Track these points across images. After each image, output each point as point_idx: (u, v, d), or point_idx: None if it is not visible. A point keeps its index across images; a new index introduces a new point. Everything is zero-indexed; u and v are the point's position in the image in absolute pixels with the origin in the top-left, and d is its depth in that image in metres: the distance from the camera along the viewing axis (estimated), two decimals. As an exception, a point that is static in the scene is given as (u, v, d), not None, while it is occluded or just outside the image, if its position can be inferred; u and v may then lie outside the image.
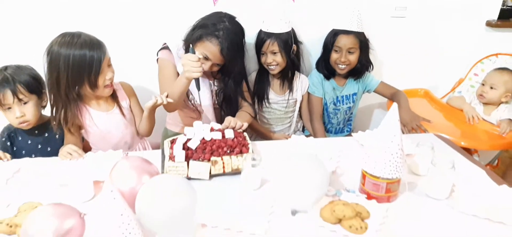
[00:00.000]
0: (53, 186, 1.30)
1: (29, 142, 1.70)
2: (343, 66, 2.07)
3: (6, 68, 1.59)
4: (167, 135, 1.96)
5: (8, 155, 1.48)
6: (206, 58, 1.72)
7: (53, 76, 1.51)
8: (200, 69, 1.50)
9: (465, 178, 1.35)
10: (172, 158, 1.31)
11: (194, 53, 1.53)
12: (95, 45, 1.51)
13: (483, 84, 2.21)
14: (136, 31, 2.02)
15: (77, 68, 1.49)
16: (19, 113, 1.58)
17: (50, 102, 1.59)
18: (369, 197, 1.23)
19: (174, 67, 1.81)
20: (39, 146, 1.69)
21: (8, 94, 1.54)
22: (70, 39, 1.49)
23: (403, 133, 1.76)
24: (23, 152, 1.69)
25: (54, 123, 1.61)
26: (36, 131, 1.71)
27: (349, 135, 2.27)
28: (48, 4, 1.97)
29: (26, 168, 1.43)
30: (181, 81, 1.60)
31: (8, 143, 1.68)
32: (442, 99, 2.37)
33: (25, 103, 1.60)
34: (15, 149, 1.70)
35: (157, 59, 1.85)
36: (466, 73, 2.44)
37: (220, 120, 1.97)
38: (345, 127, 2.34)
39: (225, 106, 1.93)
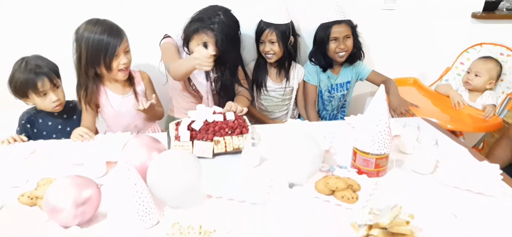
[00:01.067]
0: (67, 165, 1.39)
1: (50, 123, 1.82)
2: (343, 53, 2.19)
3: (27, 59, 1.70)
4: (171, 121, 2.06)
5: (24, 138, 1.58)
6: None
7: (77, 55, 1.69)
8: (211, 65, 1.58)
9: (449, 155, 1.46)
10: (177, 138, 1.41)
11: (206, 47, 1.63)
12: (114, 32, 1.66)
13: (468, 72, 2.34)
14: (138, 23, 2.11)
15: (95, 50, 1.64)
16: (55, 97, 1.74)
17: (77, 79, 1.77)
18: (360, 172, 1.34)
19: (177, 47, 1.91)
20: (59, 127, 1.81)
21: (46, 81, 1.69)
22: (94, 24, 1.65)
23: (392, 117, 1.88)
24: (44, 133, 1.81)
25: (77, 99, 1.78)
26: (56, 114, 1.82)
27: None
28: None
29: (41, 148, 1.53)
30: (189, 64, 1.64)
31: (28, 126, 1.79)
32: (430, 87, 2.49)
33: (57, 87, 1.76)
34: (35, 131, 1.81)
35: (161, 45, 1.95)
36: (452, 62, 2.56)
37: (218, 105, 2.06)
38: (339, 114, 2.45)
39: (223, 93, 2.03)
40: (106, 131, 1.96)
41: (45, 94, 1.72)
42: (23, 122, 1.78)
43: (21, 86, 1.68)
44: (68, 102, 1.86)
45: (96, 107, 1.83)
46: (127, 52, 1.74)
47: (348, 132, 1.71)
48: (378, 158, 1.31)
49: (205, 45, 1.61)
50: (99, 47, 1.64)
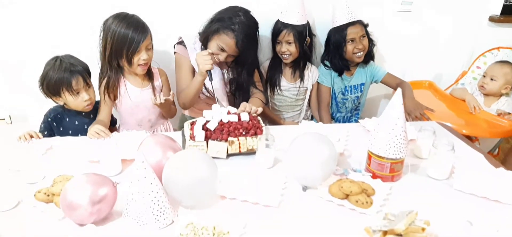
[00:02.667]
0: (84, 162, 1.41)
1: (76, 123, 1.86)
2: (361, 53, 2.19)
3: (61, 58, 1.75)
4: (185, 121, 2.07)
5: (40, 135, 1.60)
6: (223, 50, 1.86)
7: (102, 45, 1.77)
8: (210, 62, 1.73)
9: (464, 161, 1.45)
10: (192, 138, 1.42)
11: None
12: (139, 28, 1.73)
13: (484, 76, 2.31)
14: (154, 23, 2.12)
15: (119, 43, 1.72)
16: (87, 96, 1.79)
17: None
18: (374, 176, 1.33)
19: (189, 62, 1.96)
20: (85, 127, 1.82)
21: (80, 79, 1.74)
22: (122, 18, 1.73)
23: (407, 120, 1.86)
24: (70, 131, 1.84)
25: (98, 87, 1.85)
26: (83, 113, 1.86)
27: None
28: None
29: (58, 145, 1.55)
30: (196, 79, 1.82)
31: (54, 124, 1.83)
32: (445, 90, 2.46)
33: (89, 86, 1.81)
34: (61, 129, 1.84)
35: (175, 52, 2.00)
36: (469, 66, 2.53)
37: (233, 106, 2.07)
38: (353, 117, 2.44)
39: (238, 94, 2.04)
40: (120, 125, 2.01)
41: (78, 93, 1.76)
42: (49, 119, 1.82)
43: (55, 85, 1.71)
44: (96, 102, 1.90)
45: (113, 98, 1.88)
46: (149, 49, 1.80)
47: (363, 135, 1.70)
48: (393, 162, 1.30)
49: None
50: (123, 41, 1.71)
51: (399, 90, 1.29)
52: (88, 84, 1.79)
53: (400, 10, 2.44)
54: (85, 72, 1.78)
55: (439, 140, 1.39)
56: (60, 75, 1.70)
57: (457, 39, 2.59)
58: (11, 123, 2.36)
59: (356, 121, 2.41)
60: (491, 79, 2.26)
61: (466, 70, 2.53)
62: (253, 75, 2.04)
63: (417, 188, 1.32)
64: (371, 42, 2.25)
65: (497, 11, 2.56)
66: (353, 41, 2.16)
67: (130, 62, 1.76)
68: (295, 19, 2.07)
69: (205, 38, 1.91)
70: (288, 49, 2.11)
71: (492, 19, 2.55)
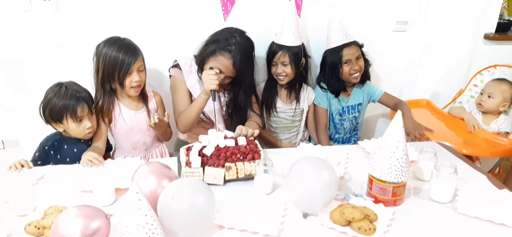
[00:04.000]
0: (76, 192, 1.36)
1: (75, 150, 1.81)
2: (357, 74, 2.17)
3: (66, 84, 1.73)
4: (180, 145, 2.03)
5: (31, 164, 1.55)
6: (220, 71, 1.83)
7: (95, 69, 1.78)
8: (217, 82, 1.70)
9: (467, 183, 1.42)
10: (188, 164, 1.38)
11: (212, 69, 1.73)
12: (130, 51, 1.75)
13: (481, 93, 2.29)
14: (149, 46, 2.11)
15: (111, 65, 1.73)
16: (90, 123, 1.76)
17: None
18: (376, 200, 1.29)
19: (185, 85, 1.94)
20: None
21: (86, 107, 1.74)
22: (114, 41, 1.75)
23: (406, 141, 1.83)
24: (68, 159, 1.80)
25: (94, 110, 1.81)
26: (82, 140, 1.82)
27: (356, 144, 2.35)
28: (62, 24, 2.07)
29: (50, 174, 1.49)
30: (200, 98, 1.79)
31: (52, 152, 1.78)
32: (443, 109, 2.44)
33: (92, 114, 1.79)
34: (59, 157, 1.80)
35: (170, 76, 1.98)
36: (466, 84, 2.52)
37: (230, 129, 2.04)
38: (352, 137, 2.41)
39: (235, 115, 2.02)
40: (115, 150, 1.97)
41: (81, 120, 1.73)
42: (46, 148, 1.77)
43: (59, 111, 1.68)
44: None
45: (108, 122, 1.86)
46: (140, 71, 1.80)
47: (363, 157, 1.67)
48: (395, 186, 1.27)
49: (211, 69, 1.73)
50: (115, 64, 1.72)
51: (399, 112, 1.26)
52: (91, 112, 1.77)
53: (395, 30, 2.44)
54: (90, 99, 1.77)
55: (441, 162, 1.36)
56: (66, 102, 1.68)
57: (453, 57, 2.59)
58: (3, 148, 2.30)
59: (355, 141, 2.40)
60: (489, 97, 2.25)
61: (463, 88, 2.52)
62: (250, 97, 2.02)
63: (420, 212, 1.28)
64: (367, 62, 2.24)
65: (492, 29, 2.57)
66: (349, 62, 2.15)
67: (122, 85, 1.76)
68: (290, 41, 2.05)
69: (201, 61, 1.89)
70: (284, 70, 2.09)
71: (487, 37, 2.56)
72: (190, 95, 1.95)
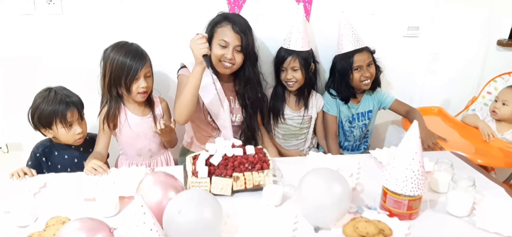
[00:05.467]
0: (79, 201, 1.32)
1: (66, 157, 1.77)
2: (368, 81, 2.12)
3: (55, 89, 1.69)
4: (185, 152, 1.99)
5: (33, 171, 1.51)
6: (225, 45, 1.82)
7: (102, 73, 1.75)
8: (205, 45, 1.64)
9: (485, 195, 1.36)
10: (195, 174, 1.33)
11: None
12: (138, 56, 1.71)
13: (495, 101, 2.22)
14: (156, 51, 2.07)
15: (118, 71, 1.70)
16: (80, 129, 1.72)
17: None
18: (391, 214, 1.24)
19: None
20: (75, 161, 1.76)
21: (75, 111, 1.69)
22: (121, 46, 1.72)
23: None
24: (59, 166, 1.76)
25: (99, 116, 1.80)
26: (73, 146, 1.78)
27: (366, 151, 2.29)
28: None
29: (53, 182, 1.45)
30: (194, 72, 1.71)
31: (43, 159, 1.74)
32: (456, 117, 2.37)
33: (82, 119, 1.75)
34: (50, 164, 1.75)
35: (178, 77, 1.93)
36: (479, 91, 2.45)
37: (238, 137, 2.03)
38: (362, 145, 2.35)
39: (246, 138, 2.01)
40: (119, 156, 1.93)
41: (70, 126, 1.68)
42: (37, 155, 1.72)
43: (48, 117, 1.64)
44: (87, 134, 1.82)
45: (113, 127, 1.81)
46: (148, 77, 1.76)
47: (374, 167, 1.62)
48: (411, 200, 1.21)
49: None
50: (122, 69, 1.69)
51: (415, 121, 1.21)
52: (81, 117, 1.73)
53: (407, 36, 2.38)
54: (80, 104, 1.72)
55: (458, 174, 1.30)
56: (55, 107, 1.63)
57: (465, 63, 2.53)
58: (8, 152, 2.27)
59: (365, 149, 2.35)
60: (503, 104, 2.18)
61: (476, 95, 2.46)
62: (259, 93, 2.00)
63: (437, 226, 1.23)
64: (378, 69, 2.19)
65: (505, 35, 2.51)
66: (359, 69, 2.10)
67: (128, 90, 1.72)
68: (300, 45, 2.02)
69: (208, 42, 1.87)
70: (294, 76, 2.04)
71: (500, 43, 2.49)
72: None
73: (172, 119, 1.81)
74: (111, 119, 1.78)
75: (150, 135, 1.85)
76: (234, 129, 2.01)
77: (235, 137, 1.99)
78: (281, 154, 2.19)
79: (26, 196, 1.31)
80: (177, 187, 1.19)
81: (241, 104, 1.99)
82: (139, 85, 1.72)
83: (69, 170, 1.74)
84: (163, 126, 1.72)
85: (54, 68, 2.08)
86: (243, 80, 1.94)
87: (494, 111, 2.21)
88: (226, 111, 1.92)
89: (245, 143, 1.99)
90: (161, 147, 1.94)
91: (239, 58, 1.86)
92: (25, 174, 1.48)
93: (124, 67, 1.68)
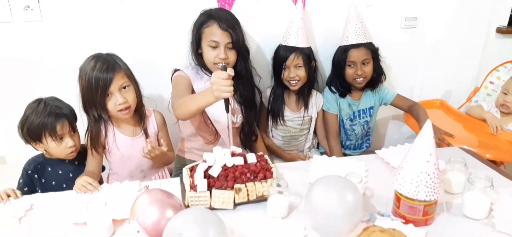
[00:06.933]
0: (68, 225, 1.21)
1: (60, 172, 1.66)
2: (361, 79, 2.04)
3: (45, 100, 1.58)
4: (181, 162, 1.88)
5: (18, 193, 1.39)
6: (215, 46, 1.74)
7: (80, 92, 1.56)
8: (231, 89, 1.34)
9: (500, 194, 1.28)
10: (193, 188, 1.23)
11: (225, 70, 1.35)
12: (106, 67, 1.51)
13: (505, 93, 2.13)
14: (146, 56, 1.99)
15: (88, 88, 1.51)
16: (72, 142, 1.59)
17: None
18: (406, 221, 1.16)
19: (189, 81, 1.78)
20: (70, 175, 1.65)
21: (66, 124, 1.57)
22: (91, 59, 1.53)
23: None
24: (53, 183, 1.65)
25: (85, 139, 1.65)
26: (66, 160, 1.67)
27: (369, 150, 2.22)
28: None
29: (39, 204, 1.33)
30: (206, 98, 1.43)
31: (36, 176, 1.63)
32: (458, 109, 2.30)
33: (74, 131, 1.63)
34: (43, 181, 1.64)
35: (173, 79, 1.82)
36: (481, 81, 2.39)
37: (238, 140, 1.95)
38: (364, 143, 2.28)
39: (244, 108, 1.93)
40: (109, 175, 1.79)
41: (61, 139, 1.57)
42: (29, 172, 1.61)
43: (37, 129, 1.53)
44: (81, 146, 1.70)
45: (102, 150, 1.67)
46: (124, 89, 1.57)
47: (382, 168, 1.53)
48: (427, 205, 1.13)
49: (224, 69, 1.36)
50: (90, 85, 1.50)
51: (429, 121, 1.13)
52: (73, 129, 1.61)
53: (404, 27, 2.31)
54: (72, 116, 1.60)
55: (474, 174, 1.23)
56: (44, 120, 1.51)
57: (465, 53, 2.47)
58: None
59: (367, 147, 2.27)
60: None
61: (478, 86, 2.39)
62: (253, 88, 1.95)
63: (455, 231, 1.15)
64: (379, 69, 2.11)
65: (504, 22, 2.46)
66: (353, 65, 2.03)
67: (103, 109, 1.55)
68: (302, 42, 1.95)
69: (198, 56, 1.82)
70: (297, 74, 1.96)
71: (499, 30, 2.44)
72: (192, 92, 1.78)
73: (162, 141, 1.63)
74: (96, 142, 1.62)
75: (142, 156, 1.63)
76: (233, 132, 1.91)
77: (234, 139, 1.92)
78: (282, 158, 2.10)
79: (10, 221, 1.20)
80: (175, 205, 1.09)
81: (237, 101, 1.90)
82: (115, 101, 1.53)
83: (64, 186, 1.63)
84: (149, 147, 1.52)
85: (48, 75, 1.96)
86: (237, 76, 1.81)
87: (504, 105, 2.12)
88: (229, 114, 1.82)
89: (244, 142, 1.95)
90: (155, 166, 1.77)
91: (232, 56, 1.78)
92: (9, 196, 1.36)
93: (92, 82, 1.49)
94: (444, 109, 2.28)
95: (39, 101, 1.57)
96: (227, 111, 1.42)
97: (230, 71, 1.34)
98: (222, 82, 1.32)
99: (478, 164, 1.53)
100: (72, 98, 1.61)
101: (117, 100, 1.53)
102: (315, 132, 2.22)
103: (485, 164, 1.53)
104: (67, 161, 1.66)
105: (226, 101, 1.40)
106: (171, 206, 1.08)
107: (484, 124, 2.00)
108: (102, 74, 1.49)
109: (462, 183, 1.30)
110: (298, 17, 1.94)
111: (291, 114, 2.09)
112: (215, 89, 1.34)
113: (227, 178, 1.26)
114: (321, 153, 2.21)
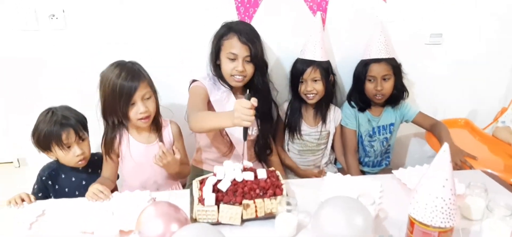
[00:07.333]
0: (77, 233, 1.21)
1: (73, 179, 1.68)
2: (380, 96, 2.00)
3: (55, 109, 1.61)
4: (195, 173, 1.88)
5: (32, 197, 1.42)
6: (234, 58, 1.74)
7: (100, 98, 1.57)
8: (252, 118, 1.31)
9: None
10: (201, 201, 1.22)
11: (249, 99, 1.33)
12: (131, 77, 1.51)
13: None
14: (166, 69, 2.00)
15: (111, 95, 1.51)
16: (79, 150, 1.60)
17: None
18: (419, 247, 1.11)
19: (206, 93, 1.79)
20: (84, 183, 1.66)
21: (72, 132, 1.57)
22: (115, 66, 1.54)
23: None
24: (66, 190, 1.67)
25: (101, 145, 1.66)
26: (80, 168, 1.69)
27: (388, 168, 2.16)
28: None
29: (51, 210, 1.35)
30: (225, 120, 1.43)
31: (49, 182, 1.65)
32: (484, 129, 2.21)
33: (83, 140, 1.63)
34: (57, 187, 1.66)
35: (190, 89, 1.83)
36: (507, 101, 2.29)
37: (253, 152, 1.95)
38: (383, 160, 2.22)
39: (260, 122, 1.91)
40: (122, 187, 1.78)
41: (69, 147, 1.58)
42: (43, 178, 1.64)
43: (45, 138, 1.55)
44: (93, 155, 1.72)
45: (116, 157, 1.68)
46: (147, 98, 1.57)
47: (398, 189, 1.48)
48: (442, 231, 1.08)
49: (248, 98, 1.34)
50: (114, 92, 1.51)
51: (446, 144, 1.08)
52: (80, 138, 1.61)
53: (429, 43, 2.24)
54: (79, 125, 1.61)
55: (494, 200, 1.16)
56: (50, 128, 1.54)
57: (493, 71, 2.37)
58: (19, 166, 2.22)
59: (387, 165, 2.21)
60: None
61: (505, 106, 2.29)
62: (270, 102, 1.96)
63: (471, 260, 1.09)
64: (401, 86, 2.06)
65: (535, 40, 2.34)
66: (373, 80, 1.99)
67: (125, 117, 1.55)
68: (319, 55, 1.92)
69: (217, 67, 1.82)
70: (314, 87, 1.94)
71: (530, 49, 2.33)
72: (208, 103, 1.79)
73: (174, 148, 1.64)
74: (111, 149, 1.63)
75: (155, 165, 1.63)
76: (248, 144, 1.91)
77: (249, 152, 1.91)
78: (297, 173, 2.07)
79: (21, 227, 1.21)
80: (181, 219, 1.08)
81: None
82: (137, 110, 1.54)
83: (77, 193, 1.65)
84: (161, 153, 1.53)
85: (62, 82, 2.01)
86: (255, 89, 1.85)
87: None
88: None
89: (259, 155, 1.94)
90: (169, 178, 1.74)
91: (249, 69, 1.78)
92: (23, 200, 1.39)
93: (116, 90, 1.49)
94: (469, 129, 2.19)
95: (49, 110, 1.60)
96: (245, 139, 1.40)
97: (254, 101, 1.32)
98: (244, 111, 1.30)
99: (501, 190, 1.46)
100: (75, 98, 1.67)
101: (139, 109, 1.54)
102: (332, 148, 2.18)
103: (509, 190, 1.45)
104: (80, 168, 1.68)
105: (245, 129, 1.38)
106: (177, 220, 1.07)
107: (511, 147, 1.91)
108: (127, 82, 1.50)
109: (481, 210, 1.24)
110: (316, 30, 1.92)
111: (308, 128, 2.06)
112: (236, 117, 1.32)
113: (235, 193, 1.25)
114: (338, 169, 2.18)
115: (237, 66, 1.73)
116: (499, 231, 1.13)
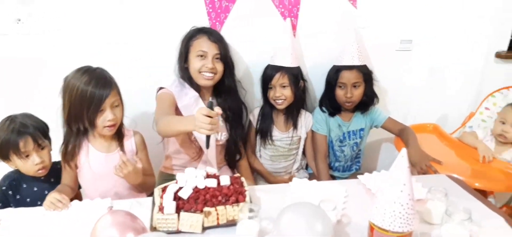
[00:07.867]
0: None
1: (35, 189, 1.62)
2: (349, 103, 2.02)
3: (14, 117, 1.55)
4: (163, 178, 1.86)
5: None
6: (203, 55, 1.77)
7: (62, 104, 1.51)
8: (209, 127, 1.29)
9: (482, 227, 1.23)
10: (161, 209, 1.21)
11: (211, 107, 1.32)
12: (101, 83, 1.46)
13: (502, 123, 2.05)
14: (133, 78, 1.99)
15: (79, 101, 1.45)
16: (39, 159, 1.55)
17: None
18: (378, 252, 1.11)
19: (173, 99, 1.77)
20: (46, 192, 1.56)
21: (29, 140, 1.51)
22: (83, 72, 1.47)
23: (412, 174, 1.65)
24: (28, 200, 1.61)
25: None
26: (42, 177, 1.63)
27: (358, 172, 2.17)
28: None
29: (8, 219, 1.31)
30: (188, 124, 1.42)
31: (10, 192, 1.59)
32: (452, 134, 2.24)
33: (42, 148, 1.57)
34: (18, 197, 1.60)
35: (157, 97, 1.81)
36: (476, 107, 2.33)
37: (222, 156, 1.95)
38: (354, 165, 2.23)
39: (230, 124, 1.92)
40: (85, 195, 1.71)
41: (27, 156, 1.53)
42: (3, 188, 1.58)
43: (2, 147, 1.50)
44: (55, 164, 1.66)
45: (75, 167, 1.61)
46: (115, 106, 1.53)
47: (363, 194, 1.49)
48: (400, 236, 1.08)
49: (210, 106, 1.33)
50: (83, 99, 1.44)
51: (404, 149, 1.09)
52: (40, 146, 1.56)
53: (400, 49, 2.27)
54: (38, 132, 1.54)
55: (453, 205, 1.18)
56: (7, 137, 1.48)
57: (462, 77, 2.41)
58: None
59: (357, 170, 2.23)
60: None
61: (473, 111, 2.33)
62: (239, 101, 1.97)
63: (430, 264, 1.10)
64: (370, 92, 2.07)
65: (504, 46, 2.40)
66: (343, 87, 2.00)
67: (92, 124, 1.49)
68: (288, 61, 1.93)
69: (185, 70, 1.82)
70: (283, 93, 1.94)
71: (499, 55, 2.39)
72: (177, 110, 1.77)
73: (136, 157, 1.60)
74: (69, 157, 1.57)
75: (116, 176, 1.54)
76: (218, 149, 1.89)
77: (218, 157, 1.91)
78: (267, 180, 2.07)
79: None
80: (137, 228, 1.06)
81: (224, 118, 1.88)
82: (105, 117, 1.49)
83: (39, 203, 1.54)
84: (121, 163, 1.46)
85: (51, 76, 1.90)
86: (224, 91, 1.88)
87: (502, 135, 2.04)
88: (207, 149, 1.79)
89: (228, 160, 1.95)
90: (132, 190, 1.65)
91: (219, 67, 1.80)
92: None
93: (86, 96, 1.43)
94: (437, 134, 2.22)
95: (8, 118, 1.54)
96: (207, 146, 1.39)
97: (218, 110, 1.32)
98: (202, 118, 1.29)
99: (464, 194, 1.48)
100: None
101: (107, 116, 1.49)
102: (304, 153, 2.18)
103: (471, 194, 1.47)
104: (42, 178, 1.63)
105: (207, 137, 1.37)
106: (133, 229, 1.05)
107: (477, 152, 1.93)
108: (98, 90, 1.44)
109: (441, 214, 1.25)
110: (285, 36, 1.93)
111: (280, 134, 2.06)
112: (196, 124, 1.32)
113: (197, 201, 1.23)
114: (310, 175, 2.18)
115: (206, 63, 1.75)
116: (457, 235, 1.14)
